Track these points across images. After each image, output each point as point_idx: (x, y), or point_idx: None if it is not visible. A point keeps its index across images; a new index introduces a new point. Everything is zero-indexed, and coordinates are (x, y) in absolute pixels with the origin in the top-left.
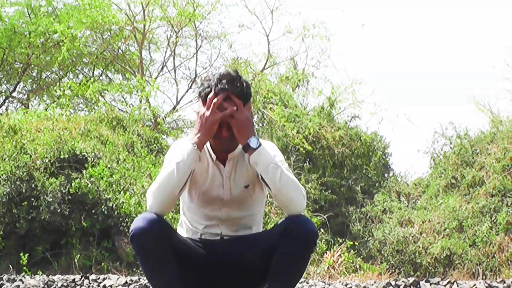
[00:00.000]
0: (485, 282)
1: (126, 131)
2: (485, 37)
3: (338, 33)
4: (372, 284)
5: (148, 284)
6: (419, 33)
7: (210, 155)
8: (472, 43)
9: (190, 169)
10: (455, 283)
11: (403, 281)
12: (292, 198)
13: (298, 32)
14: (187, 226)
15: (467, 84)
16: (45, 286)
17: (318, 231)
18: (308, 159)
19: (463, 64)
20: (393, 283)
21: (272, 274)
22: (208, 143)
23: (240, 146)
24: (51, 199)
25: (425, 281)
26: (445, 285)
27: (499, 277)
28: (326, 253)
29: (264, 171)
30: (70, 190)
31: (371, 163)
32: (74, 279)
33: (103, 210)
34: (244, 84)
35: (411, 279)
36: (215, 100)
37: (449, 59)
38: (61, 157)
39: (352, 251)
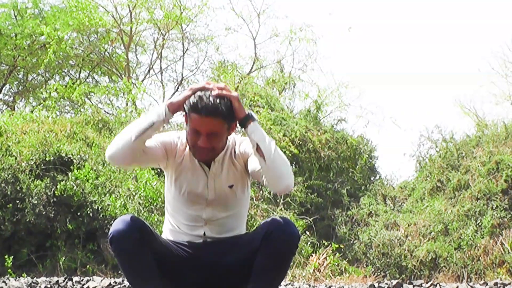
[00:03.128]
0: (468, 284)
1: (112, 134)
2: (471, 41)
3: (325, 37)
4: (356, 287)
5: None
6: (406, 36)
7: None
8: (458, 47)
9: (152, 120)
10: (438, 285)
11: (386, 283)
12: (283, 172)
13: (285, 35)
14: (171, 227)
15: (453, 88)
16: (29, 287)
17: (304, 234)
18: (294, 162)
19: (449, 67)
20: (376, 285)
21: (254, 276)
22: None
23: (225, 148)
24: (36, 202)
25: (409, 283)
26: (428, 287)
27: (484, 280)
28: (312, 255)
29: (261, 140)
30: (56, 192)
31: (357, 166)
32: (57, 281)
33: (89, 212)
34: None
35: (394, 281)
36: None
37: (435, 62)
38: (47, 159)
39: (337, 254)
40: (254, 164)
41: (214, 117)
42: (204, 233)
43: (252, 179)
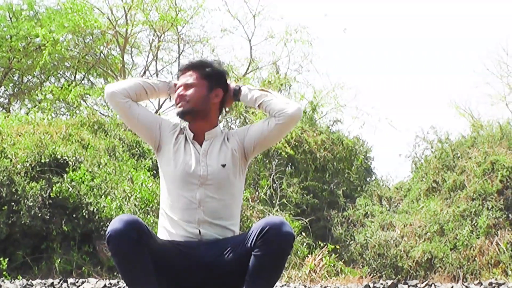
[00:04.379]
0: (463, 284)
1: (107, 135)
2: (466, 42)
3: (321, 38)
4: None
5: (126, 287)
6: (401, 37)
7: (188, 135)
8: (453, 47)
9: (156, 79)
10: (433, 285)
11: (382, 284)
12: (289, 101)
13: (281, 37)
14: (168, 220)
15: (448, 89)
16: None
17: (300, 235)
18: (290, 163)
19: (444, 68)
20: (371, 285)
21: (249, 277)
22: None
23: (218, 127)
24: (31, 204)
25: (404, 283)
26: (423, 287)
27: (479, 280)
28: (308, 256)
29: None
30: (51, 194)
31: (353, 167)
32: (52, 283)
33: (84, 214)
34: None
35: (389, 282)
36: None
37: (430, 63)
38: (42, 161)
39: (333, 254)
40: (258, 124)
41: (187, 69)
42: (198, 219)
43: (256, 147)
